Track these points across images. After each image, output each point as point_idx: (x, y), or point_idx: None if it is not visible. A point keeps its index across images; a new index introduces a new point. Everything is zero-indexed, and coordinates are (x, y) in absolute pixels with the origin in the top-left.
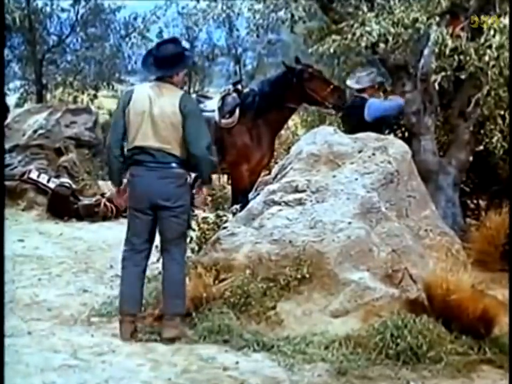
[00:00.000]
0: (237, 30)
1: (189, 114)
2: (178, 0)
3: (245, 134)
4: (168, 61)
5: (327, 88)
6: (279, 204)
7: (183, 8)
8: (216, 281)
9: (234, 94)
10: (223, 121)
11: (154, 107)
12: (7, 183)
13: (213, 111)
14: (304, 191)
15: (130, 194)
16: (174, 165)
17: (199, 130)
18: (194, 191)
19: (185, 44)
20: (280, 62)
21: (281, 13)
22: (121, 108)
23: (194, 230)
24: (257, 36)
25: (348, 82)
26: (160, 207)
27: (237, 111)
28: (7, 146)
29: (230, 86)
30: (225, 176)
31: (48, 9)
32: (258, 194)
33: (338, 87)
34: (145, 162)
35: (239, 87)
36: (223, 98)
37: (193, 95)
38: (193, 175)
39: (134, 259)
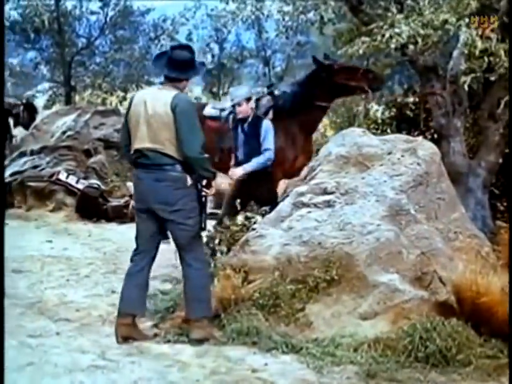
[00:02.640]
0: (266, 32)
1: (180, 114)
2: (207, 2)
3: (278, 136)
4: (183, 65)
5: (358, 73)
6: (308, 206)
7: (212, 10)
8: (245, 283)
9: (268, 97)
10: None
11: (148, 109)
12: (35, 184)
13: None
14: (333, 193)
15: (133, 195)
16: (168, 167)
17: (191, 130)
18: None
19: (214, 46)
20: (309, 63)
21: (310, 15)
22: (125, 113)
23: (204, 230)
24: (287, 38)
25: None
26: (157, 210)
27: (271, 113)
28: (35, 147)
29: (264, 89)
30: None
31: (77, 11)
32: (287, 196)
33: (370, 70)
34: (143, 164)
35: (273, 89)
36: (257, 101)
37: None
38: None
39: (135, 260)
